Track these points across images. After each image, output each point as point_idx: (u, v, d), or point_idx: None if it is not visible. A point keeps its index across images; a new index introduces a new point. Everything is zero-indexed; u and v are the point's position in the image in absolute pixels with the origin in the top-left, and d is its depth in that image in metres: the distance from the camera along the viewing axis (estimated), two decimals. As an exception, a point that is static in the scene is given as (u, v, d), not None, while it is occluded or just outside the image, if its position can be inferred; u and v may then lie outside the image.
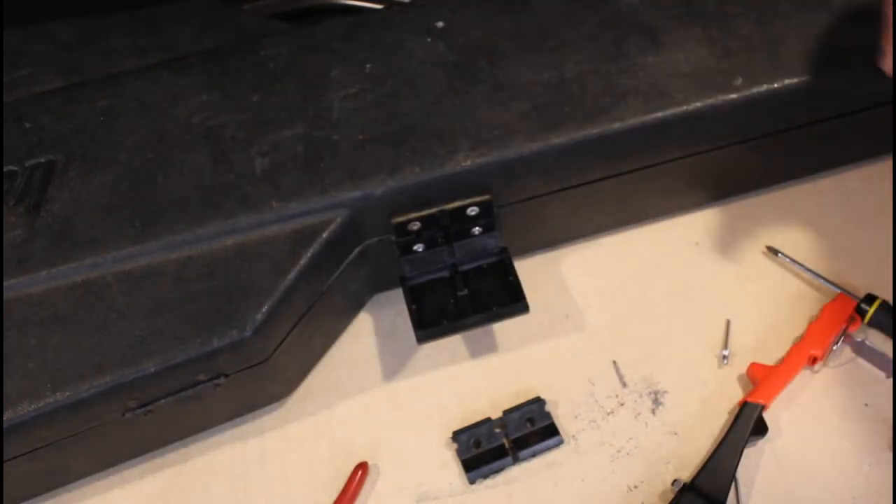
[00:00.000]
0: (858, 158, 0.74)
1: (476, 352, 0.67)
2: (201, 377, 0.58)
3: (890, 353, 0.63)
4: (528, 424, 0.62)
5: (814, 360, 0.63)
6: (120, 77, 0.69)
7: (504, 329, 0.68)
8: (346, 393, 0.66)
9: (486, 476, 0.61)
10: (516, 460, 0.61)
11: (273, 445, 0.64)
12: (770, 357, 0.64)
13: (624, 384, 0.64)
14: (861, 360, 0.64)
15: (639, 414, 0.63)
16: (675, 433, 0.62)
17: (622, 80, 0.64)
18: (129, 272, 0.59)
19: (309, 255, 0.59)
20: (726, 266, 0.70)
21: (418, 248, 0.64)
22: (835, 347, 0.63)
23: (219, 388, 0.59)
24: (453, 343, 0.67)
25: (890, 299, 0.64)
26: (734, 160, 0.68)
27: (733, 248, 0.71)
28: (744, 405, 0.60)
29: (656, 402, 0.63)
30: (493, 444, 0.62)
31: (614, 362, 0.66)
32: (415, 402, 0.65)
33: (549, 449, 0.62)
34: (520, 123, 0.62)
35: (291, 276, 0.58)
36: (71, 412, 0.55)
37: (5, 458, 0.56)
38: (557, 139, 0.61)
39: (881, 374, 0.63)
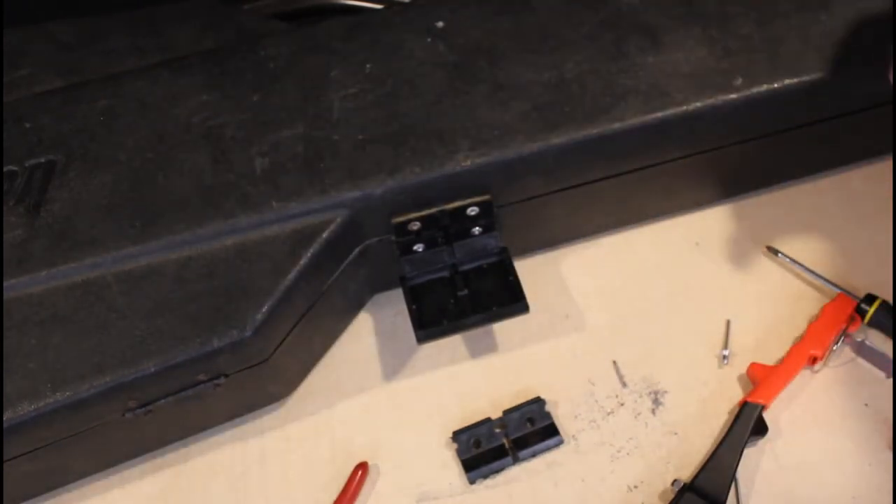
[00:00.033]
0: (858, 158, 0.74)
1: (476, 352, 0.67)
2: (201, 377, 0.58)
3: (890, 353, 0.63)
4: (528, 424, 0.62)
5: (814, 360, 0.63)
6: (120, 77, 0.69)
7: (504, 329, 0.68)
8: (346, 393, 0.66)
9: (486, 476, 0.61)
10: (516, 460, 0.61)
11: (273, 445, 0.64)
12: (770, 357, 0.64)
13: (624, 384, 0.64)
14: (861, 360, 0.64)
15: (639, 414, 0.63)
16: (675, 433, 0.62)
17: (622, 80, 0.64)
18: (129, 272, 0.59)
19: (309, 255, 0.59)
20: (726, 266, 0.70)
21: (418, 248, 0.64)
22: (835, 347, 0.63)
23: (219, 388, 0.59)
24: (453, 343, 0.67)
25: (890, 299, 0.64)
26: (734, 160, 0.68)
27: (733, 248, 0.71)
28: (744, 405, 0.60)
29: (656, 402, 0.63)
30: (493, 444, 0.62)
31: (614, 362, 0.66)
32: (415, 402, 0.65)
33: (549, 449, 0.62)
34: (520, 123, 0.62)
35: (291, 276, 0.58)
36: (71, 412, 0.55)
37: (5, 458, 0.56)
38: (557, 139, 0.61)
39: (881, 374, 0.63)
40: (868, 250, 0.69)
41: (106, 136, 0.66)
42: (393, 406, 0.65)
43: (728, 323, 0.66)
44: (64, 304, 0.58)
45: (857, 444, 0.60)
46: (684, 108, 0.62)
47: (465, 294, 0.63)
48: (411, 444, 0.63)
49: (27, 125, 0.67)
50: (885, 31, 0.64)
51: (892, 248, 0.68)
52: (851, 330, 0.64)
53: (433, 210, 0.61)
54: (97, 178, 0.63)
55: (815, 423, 0.61)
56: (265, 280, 0.58)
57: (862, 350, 0.64)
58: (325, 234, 0.60)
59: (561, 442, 0.62)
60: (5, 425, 0.54)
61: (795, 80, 0.63)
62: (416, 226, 0.62)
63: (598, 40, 0.66)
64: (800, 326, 0.65)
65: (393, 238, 0.62)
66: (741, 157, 0.68)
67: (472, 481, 0.61)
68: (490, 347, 0.67)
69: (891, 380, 0.62)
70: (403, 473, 0.62)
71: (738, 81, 0.63)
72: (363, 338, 0.69)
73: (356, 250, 0.64)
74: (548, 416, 0.63)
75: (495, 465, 0.61)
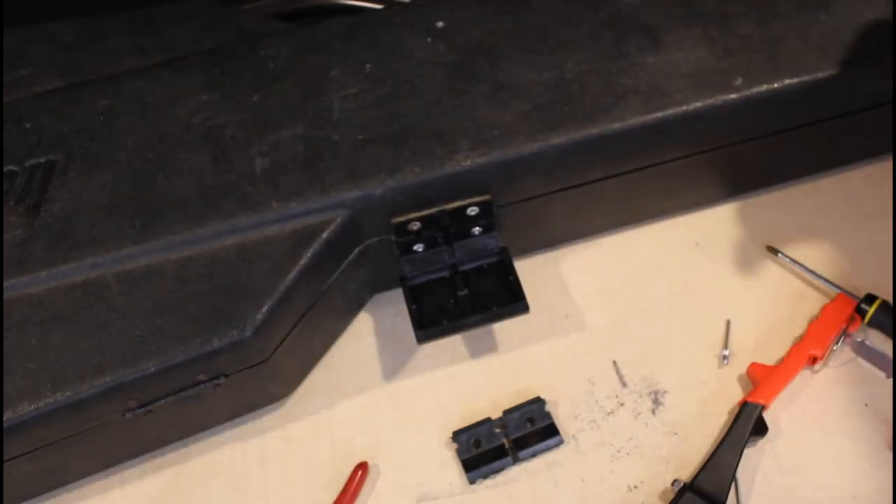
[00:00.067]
0: (858, 158, 0.74)
1: (476, 352, 0.67)
2: (201, 377, 0.58)
3: (890, 353, 0.63)
4: (528, 424, 0.62)
5: (814, 360, 0.63)
6: (120, 77, 0.69)
7: (504, 329, 0.68)
8: (346, 393, 0.66)
9: (486, 476, 0.61)
10: (516, 460, 0.61)
11: (273, 445, 0.64)
12: (770, 357, 0.64)
13: (624, 384, 0.64)
14: (861, 360, 0.64)
15: (639, 414, 0.63)
16: (675, 433, 0.62)
17: (622, 80, 0.64)
18: (129, 272, 0.59)
19: (309, 255, 0.59)
20: (726, 266, 0.70)
21: (418, 248, 0.64)
22: (835, 347, 0.63)
23: (219, 388, 0.59)
24: (453, 343, 0.67)
25: (890, 299, 0.64)
26: (734, 160, 0.68)
27: (733, 248, 0.71)
28: (744, 405, 0.60)
29: (656, 402, 0.63)
30: (493, 444, 0.62)
31: (614, 362, 0.66)
32: (415, 402, 0.65)
33: (549, 449, 0.62)
34: (520, 123, 0.62)
35: (291, 276, 0.58)
36: (71, 412, 0.55)
37: (5, 458, 0.56)
38: (557, 139, 0.61)
39: (881, 374, 0.63)
40: (868, 250, 0.69)
41: (106, 136, 0.66)
42: (393, 406, 0.65)
43: (728, 323, 0.66)
44: (64, 304, 0.58)
45: (857, 444, 0.60)
46: (684, 108, 0.62)
47: (465, 294, 0.63)
48: (411, 444, 0.63)
49: (27, 125, 0.67)
50: (884, 31, 0.64)
51: (892, 248, 0.68)
52: (851, 330, 0.64)
53: (433, 210, 0.61)
54: (97, 178, 0.63)
55: (815, 423, 0.61)
56: (265, 280, 0.58)
57: (862, 350, 0.64)
58: (325, 234, 0.60)
59: (561, 442, 0.62)
60: (5, 425, 0.54)
61: (795, 80, 0.63)
62: (416, 226, 0.62)
63: (598, 40, 0.66)
64: (800, 326, 0.65)
65: (393, 238, 0.62)
66: (741, 157, 0.68)
67: (472, 481, 0.61)
68: (490, 347, 0.67)
69: (891, 380, 0.62)
70: (403, 473, 0.62)
71: (738, 81, 0.63)
72: (363, 338, 0.69)
73: (356, 250, 0.64)
74: (548, 416, 0.63)
75: (495, 465, 0.61)
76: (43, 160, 0.65)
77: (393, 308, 0.70)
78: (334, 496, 0.60)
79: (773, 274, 0.69)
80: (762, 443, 0.60)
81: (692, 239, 0.71)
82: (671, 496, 0.57)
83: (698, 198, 0.73)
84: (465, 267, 0.64)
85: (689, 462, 0.60)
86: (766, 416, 0.60)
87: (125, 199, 0.62)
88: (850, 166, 0.74)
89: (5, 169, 0.64)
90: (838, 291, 0.65)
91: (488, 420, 0.62)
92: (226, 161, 0.63)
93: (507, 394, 0.64)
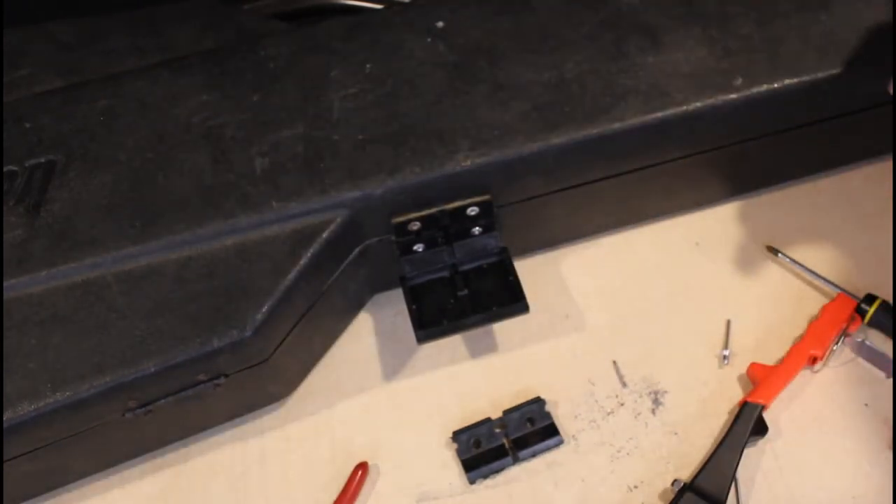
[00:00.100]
0: (858, 158, 0.74)
1: (476, 352, 0.67)
2: (201, 377, 0.58)
3: (890, 353, 0.63)
4: (528, 424, 0.62)
5: (814, 360, 0.63)
6: (120, 77, 0.69)
7: (504, 329, 0.68)
8: (346, 393, 0.66)
9: (486, 476, 0.61)
10: (516, 460, 0.61)
11: (273, 445, 0.64)
12: (770, 357, 0.64)
13: (624, 384, 0.64)
14: (861, 360, 0.64)
15: (639, 414, 0.63)
16: (675, 433, 0.62)
17: (622, 80, 0.64)
18: (129, 272, 0.59)
19: (309, 255, 0.59)
20: (726, 266, 0.70)
21: (418, 248, 0.64)
22: (835, 347, 0.63)
23: (219, 388, 0.59)
24: (453, 343, 0.67)
25: (890, 299, 0.64)
26: (734, 160, 0.68)
27: (733, 248, 0.71)
28: (744, 405, 0.60)
29: (656, 402, 0.63)
30: (493, 444, 0.62)
31: (614, 362, 0.66)
32: (415, 402, 0.65)
33: (549, 449, 0.62)
34: (520, 123, 0.62)
35: (291, 276, 0.58)
36: (71, 412, 0.55)
37: (5, 458, 0.56)
38: (557, 139, 0.61)
39: (881, 374, 0.63)
40: (868, 250, 0.69)
41: (106, 136, 0.66)
42: (393, 406, 0.65)
43: (728, 323, 0.66)
44: (64, 304, 0.58)
45: (857, 444, 0.60)
46: (684, 108, 0.62)
47: (465, 294, 0.63)
48: (411, 444, 0.63)
49: (27, 125, 0.67)
50: (884, 32, 0.64)
51: (892, 248, 0.68)
52: (851, 330, 0.64)
53: (433, 210, 0.61)
54: (97, 178, 0.63)
55: (815, 423, 0.61)
56: (265, 280, 0.58)
57: (862, 350, 0.64)
58: (325, 234, 0.60)
59: (561, 442, 0.62)
60: (5, 425, 0.54)
61: (795, 80, 0.63)
62: (416, 226, 0.62)
63: (598, 40, 0.66)
64: (800, 326, 0.65)
65: (393, 238, 0.62)
66: (741, 157, 0.68)
67: (472, 481, 0.61)
68: (490, 347, 0.67)
69: (891, 380, 0.62)
70: (403, 473, 0.62)
71: (738, 81, 0.63)
72: (363, 338, 0.69)
73: (356, 250, 0.64)
74: (548, 416, 0.63)
75: (495, 465, 0.61)
76: (43, 160, 0.65)
77: (393, 308, 0.70)
78: (334, 496, 0.60)
79: (773, 274, 0.69)
80: (762, 443, 0.60)
81: (692, 239, 0.71)
82: (671, 496, 0.57)
83: (698, 198, 0.73)
84: (465, 267, 0.64)
85: (689, 462, 0.60)
86: (766, 416, 0.60)
87: (125, 199, 0.62)
88: (850, 166, 0.74)
89: (5, 169, 0.64)
90: (838, 291, 0.65)
91: (488, 420, 0.62)
92: (226, 161, 0.63)
93: (507, 394, 0.64)
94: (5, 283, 0.58)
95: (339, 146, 0.63)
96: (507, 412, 0.63)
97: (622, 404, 0.64)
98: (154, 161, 0.64)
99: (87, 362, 0.55)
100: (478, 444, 0.62)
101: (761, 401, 0.60)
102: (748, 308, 0.67)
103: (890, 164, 0.73)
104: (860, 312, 0.63)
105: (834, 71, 0.63)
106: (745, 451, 0.59)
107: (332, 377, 0.67)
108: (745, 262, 0.70)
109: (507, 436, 0.62)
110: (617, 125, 0.62)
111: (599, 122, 0.62)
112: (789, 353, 0.63)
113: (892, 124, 0.68)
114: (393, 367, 0.67)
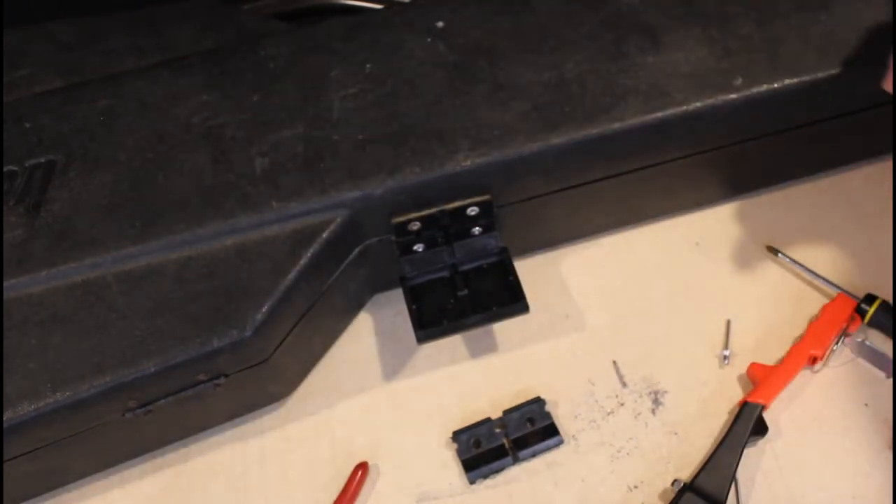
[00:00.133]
0: (858, 158, 0.74)
1: (476, 352, 0.67)
2: (201, 377, 0.58)
3: (890, 353, 0.63)
4: (528, 424, 0.62)
5: (814, 360, 0.63)
6: (120, 77, 0.69)
7: (504, 329, 0.68)
8: (346, 393, 0.66)
9: (486, 476, 0.61)
10: (516, 460, 0.61)
11: (273, 445, 0.64)
12: (770, 357, 0.64)
13: (624, 384, 0.64)
14: (861, 360, 0.64)
15: (639, 414, 0.63)
16: (675, 433, 0.62)
17: (622, 80, 0.64)
18: (129, 272, 0.59)
19: (309, 255, 0.59)
20: (726, 266, 0.70)
21: (418, 248, 0.64)
22: (835, 347, 0.63)
23: (219, 388, 0.59)
24: (453, 343, 0.67)
25: (890, 299, 0.64)
26: (734, 160, 0.68)
27: (733, 248, 0.71)
28: (744, 405, 0.60)
29: (656, 402, 0.63)
30: (493, 444, 0.62)
31: (614, 362, 0.66)
32: (415, 402, 0.65)
33: (549, 449, 0.62)
34: (520, 123, 0.62)
35: (291, 276, 0.58)
36: (71, 412, 0.55)
37: (5, 458, 0.56)
38: (557, 139, 0.61)
39: (881, 374, 0.63)
40: (868, 250, 0.69)
41: (106, 136, 0.66)
42: (393, 406, 0.65)
43: (728, 323, 0.66)
44: (64, 304, 0.58)
45: (857, 444, 0.60)
46: (684, 108, 0.62)
47: (465, 294, 0.63)
48: (411, 444, 0.63)
49: (27, 125, 0.67)
50: (884, 31, 0.64)
51: (892, 248, 0.68)
52: (851, 330, 0.64)
53: (433, 210, 0.61)
54: (97, 178, 0.63)
55: (815, 423, 0.61)
56: (265, 280, 0.58)
57: (862, 350, 0.64)
58: (325, 234, 0.60)
59: (561, 442, 0.62)
60: (5, 425, 0.54)
61: (795, 80, 0.63)
62: (416, 226, 0.62)
63: (598, 40, 0.66)
64: (800, 326, 0.65)
65: (393, 238, 0.62)
66: (741, 157, 0.68)
67: (472, 481, 0.61)
68: (490, 347, 0.67)
69: (891, 380, 0.62)
70: (403, 473, 0.62)
71: (738, 81, 0.63)
72: (363, 338, 0.69)
73: (356, 250, 0.64)
74: (548, 416, 0.63)
75: (495, 465, 0.61)
76: (43, 160, 0.65)
77: (393, 308, 0.70)
78: (334, 496, 0.60)
79: (773, 274, 0.69)
80: (762, 443, 0.60)
81: (692, 239, 0.71)
82: (671, 496, 0.57)
83: (698, 198, 0.73)
84: (465, 267, 0.64)
85: (689, 462, 0.60)
86: (766, 416, 0.60)
87: (125, 199, 0.62)
88: (850, 166, 0.74)
89: (5, 169, 0.64)
90: (838, 291, 0.65)
91: (488, 420, 0.62)
92: (226, 161, 0.63)
93: (507, 394, 0.64)
94: (5, 283, 0.58)
95: (339, 146, 0.63)
96: (507, 412, 0.63)
97: (622, 404, 0.64)
98: (154, 161, 0.64)
99: (87, 362, 0.55)
100: (478, 444, 0.62)
101: (761, 401, 0.60)
102: (748, 308, 0.67)
103: (890, 164, 0.73)
104: (860, 312, 0.63)
105: (834, 71, 0.63)
106: (745, 451, 0.59)
107: (332, 377, 0.67)
108: (744, 262, 0.70)
109: (507, 436, 0.62)
110: (617, 125, 0.62)
111: (599, 122, 0.62)
112: (789, 353, 0.63)
113: (892, 124, 0.68)
114: (393, 367, 0.67)
